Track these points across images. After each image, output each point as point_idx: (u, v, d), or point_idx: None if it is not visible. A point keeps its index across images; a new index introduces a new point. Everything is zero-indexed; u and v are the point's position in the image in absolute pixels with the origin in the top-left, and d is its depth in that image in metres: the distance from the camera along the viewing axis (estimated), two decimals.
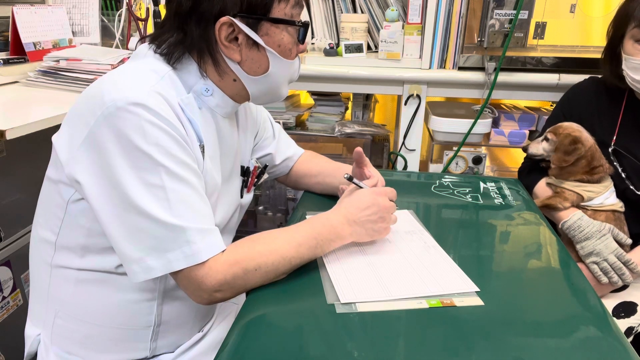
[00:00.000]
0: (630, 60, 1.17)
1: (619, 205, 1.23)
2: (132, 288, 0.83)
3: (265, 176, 1.09)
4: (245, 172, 1.00)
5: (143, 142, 0.71)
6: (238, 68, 0.82)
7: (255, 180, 1.04)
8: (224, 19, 0.77)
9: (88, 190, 0.74)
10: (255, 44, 0.80)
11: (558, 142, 1.25)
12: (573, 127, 1.25)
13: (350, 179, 0.95)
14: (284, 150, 1.15)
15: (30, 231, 0.89)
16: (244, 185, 1.01)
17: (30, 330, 0.90)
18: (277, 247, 0.79)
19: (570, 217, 1.20)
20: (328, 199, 1.15)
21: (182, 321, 0.91)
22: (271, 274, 0.79)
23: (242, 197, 1.00)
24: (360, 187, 0.95)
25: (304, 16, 0.87)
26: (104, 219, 0.74)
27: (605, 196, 1.23)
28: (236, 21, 0.77)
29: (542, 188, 1.33)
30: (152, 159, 0.71)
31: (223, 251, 0.77)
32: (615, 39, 1.23)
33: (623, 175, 1.25)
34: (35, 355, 0.89)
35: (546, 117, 1.65)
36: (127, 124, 0.71)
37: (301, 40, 0.85)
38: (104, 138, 0.71)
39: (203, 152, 0.82)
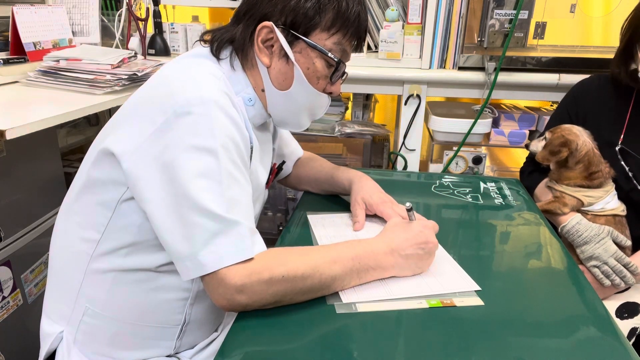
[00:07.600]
0: None
1: (620, 209, 1.22)
2: (169, 287, 0.84)
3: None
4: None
5: (212, 141, 0.72)
6: (265, 73, 0.85)
7: (274, 177, 1.05)
8: (266, 22, 0.81)
9: (146, 183, 0.74)
10: (286, 56, 0.83)
11: (549, 140, 1.24)
12: (572, 130, 1.22)
13: (410, 209, 0.87)
14: (285, 149, 1.15)
15: (30, 231, 0.89)
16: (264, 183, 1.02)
17: (50, 328, 0.88)
18: (312, 258, 0.76)
19: (569, 222, 1.19)
20: (328, 199, 1.16)
21: (206, 320, 0.93)
22: (299, 285, 0.73)
23: None
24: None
25: (348, 66, 0.89)
26: (158, 213, 0.73)
27: (606, 201, 1.21)
28: (276, 29, 0.81)
29: (542, 190, 1.33)
30: (216, 159, 0.72)
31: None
32: (632, 40, 1.20)
33: (630, 174, 1.23)
34: (54, 353, 0.87)
35: (546, 117, 1.65)
36: (199, 120, 0.72)
37: (332, 79, 0.87)
38: (172, 134, 0.72)
39: (251, 153, 0.84)
